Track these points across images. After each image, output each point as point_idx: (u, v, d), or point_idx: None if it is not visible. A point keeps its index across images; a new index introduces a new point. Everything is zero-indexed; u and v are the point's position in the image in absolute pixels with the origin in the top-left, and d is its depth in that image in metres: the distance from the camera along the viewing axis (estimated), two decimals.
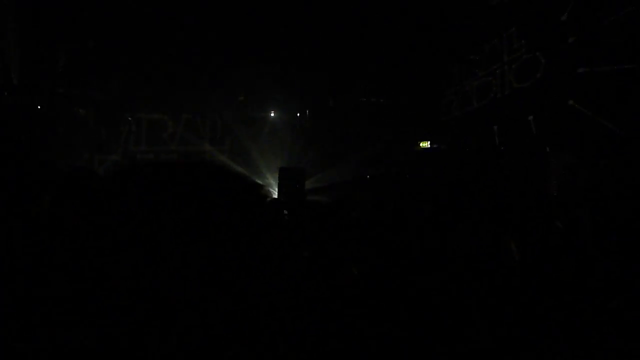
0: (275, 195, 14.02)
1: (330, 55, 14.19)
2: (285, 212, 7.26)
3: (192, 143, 16.96)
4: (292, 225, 5.89)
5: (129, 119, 16.56)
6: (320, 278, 3.29)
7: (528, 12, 9.35)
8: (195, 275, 3.33)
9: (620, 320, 2.67)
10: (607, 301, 2.87)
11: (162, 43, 14.05)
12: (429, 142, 13.09)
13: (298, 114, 17.11)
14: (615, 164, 6.83)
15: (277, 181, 13.91)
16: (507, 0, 9.87)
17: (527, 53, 9.38)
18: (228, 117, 17.01)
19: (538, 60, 9.01)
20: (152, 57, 14.49)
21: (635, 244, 4.23)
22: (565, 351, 2.47)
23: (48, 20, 12.00)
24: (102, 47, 13.92)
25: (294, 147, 16.54)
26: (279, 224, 5.92)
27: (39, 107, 12.09)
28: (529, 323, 2.76)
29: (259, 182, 12.79)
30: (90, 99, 15.37)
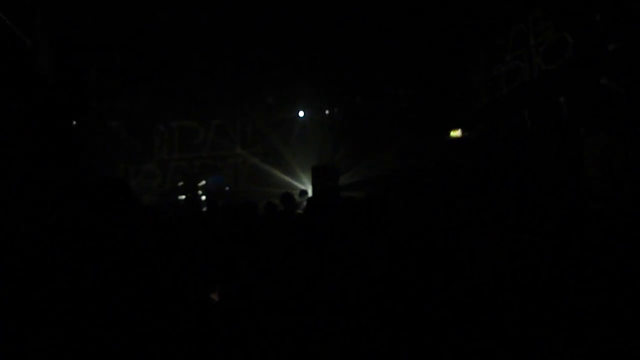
0: (310, 194, 14.05)
1: (355, 50, 14.14)
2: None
3: (224, 148, 17.14)
4: (327, 225, 5.88)
5: (161, 128, 16.82)
6: (351, 277, 3.29)
7: None
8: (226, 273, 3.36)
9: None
10: None
11: (190, 51, 14.21)
12: (459, 131, 12.93)
13: (327, 112, 17.13)
14: None
15: (311, 180, 13.92)
16: None
17: (554, 34, 9.18)
18: (258, 121, 17.13)
19: (566, 40, 8.81)
20: (180, 66, 14.68)
21: None
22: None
23: (77, 37, 12.23)
24: (131, 58, 14.16)
25: (325, 145, 16.57)
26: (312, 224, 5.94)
27: (73, 122, 12.36)
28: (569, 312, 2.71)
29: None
30: (121, 110, 15.66)
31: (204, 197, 15.13)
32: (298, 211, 8.65)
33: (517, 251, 3.35)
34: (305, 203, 11.58)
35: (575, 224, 3.75)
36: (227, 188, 16.52)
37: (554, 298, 2.75)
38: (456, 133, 12.96)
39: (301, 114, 17.12)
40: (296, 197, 13.79)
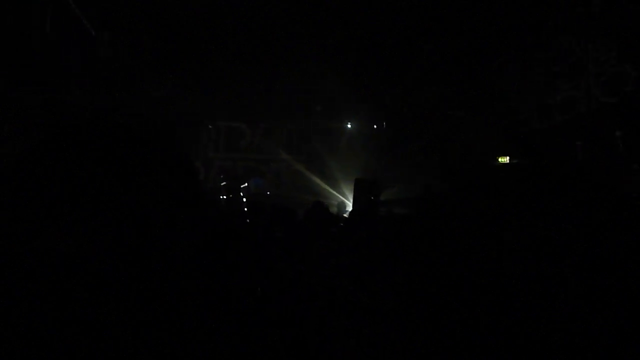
0: (349, 207, 13.97)
1: (407, 66, 14.09)
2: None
3: (269, 152, 17.25)
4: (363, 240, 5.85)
5: (209, 126, 17.04)
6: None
7: (617, 23, 8.94)
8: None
9: None
10: None
11: (243, 53, 14.39)
12: (508, 158, 12.70)
13: (375, 126, 17.08)
14: None
15: (352, 192, 13.87)
16: (595, 11, 9.45)
17: (616, 66, 8.95)
18: (305, 128, 17.19)
19: (627, 73, 8.58)
20: (232, 67, 14.88)
21: None
22: None
23: (131, 27, 12.54)
24: (186, 55, 14.43)
25: (370, 158, 16.50)
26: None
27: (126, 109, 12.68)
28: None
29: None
30: (173, 105, 15.90)
31: (244, 199, 15.22)
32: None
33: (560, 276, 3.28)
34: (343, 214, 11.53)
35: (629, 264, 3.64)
36: (268, 192, 16.60)
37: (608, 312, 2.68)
38: (504, 159, 12.74)
39: (348, 125, 17.12)
40: (334, 208, 13.75)
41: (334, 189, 16.67)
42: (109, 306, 0.92)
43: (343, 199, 15.87)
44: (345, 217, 10.75)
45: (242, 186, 15.70)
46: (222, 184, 15.68)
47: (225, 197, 15.24)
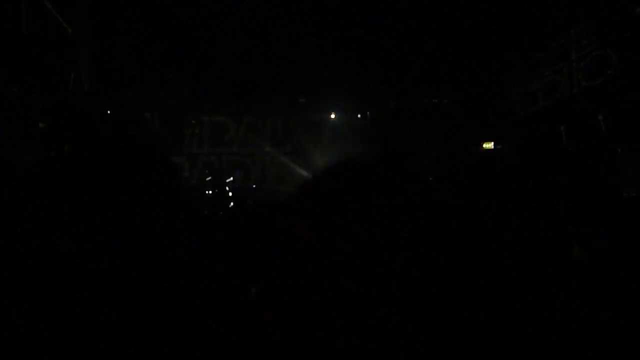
0: None
1: (390, 56, 14.07)
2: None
3: (254, 145, 17.17)
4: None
5: (192, 121, 16.91)
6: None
7: (598, 6, 8.97)
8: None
9: None
10: None
11: (225, 46, 14.29)
12: (492, 143, 12.73)
13: (359, 116, 17.06)
14: None
15: None
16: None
17: (598, 50, 9.00)
18: (289, 120, 17.13)
19: (609, 57, 8.63)
20: (215, 61, 14.78)
21: None
22: None
23: (116, 27, 12.41)
24: (168, 52, 14.32)
25: (355, 149, 16.48)
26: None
27: (108, 111, 12.50)
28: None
29: None
30: (156, 102, 15.75)
31: (230, 194, 15.13)
32: None
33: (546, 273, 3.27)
34: None
35: (615, 245, 3.63)
36: (254, 186, 16.53)
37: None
38: (489, 145, 12.76)
39: (332, 116, 17.07)
40: None
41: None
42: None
43: None
44: None
45: (227, 180, 15.61)
46: (207, 179, 15.58)
47: (210, 192, 15.15)
